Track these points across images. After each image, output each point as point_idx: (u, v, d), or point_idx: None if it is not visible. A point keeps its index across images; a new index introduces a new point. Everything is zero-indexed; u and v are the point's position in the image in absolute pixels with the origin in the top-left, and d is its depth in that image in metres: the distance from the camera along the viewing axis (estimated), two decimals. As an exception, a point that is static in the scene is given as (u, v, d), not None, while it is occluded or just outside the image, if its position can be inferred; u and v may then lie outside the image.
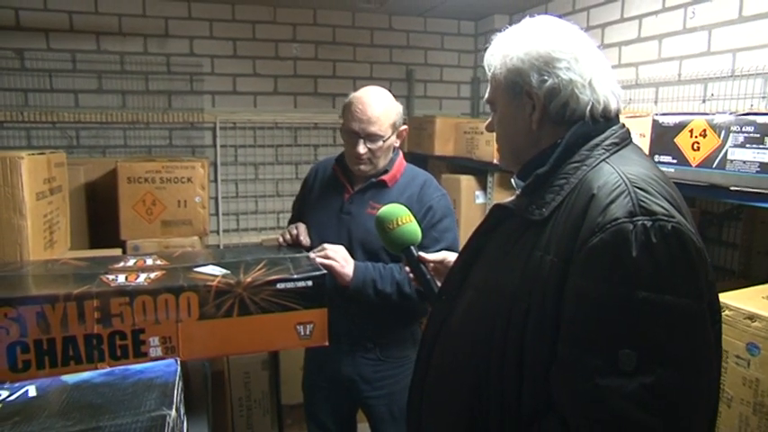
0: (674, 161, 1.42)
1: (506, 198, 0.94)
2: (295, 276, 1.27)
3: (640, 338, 0.70)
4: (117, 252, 2.00)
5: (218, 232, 3.21)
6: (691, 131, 1.38)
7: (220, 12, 3.11)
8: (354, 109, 1.53)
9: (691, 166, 1.39)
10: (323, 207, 1.62)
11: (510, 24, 0.97)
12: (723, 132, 1.31)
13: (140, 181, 2.10)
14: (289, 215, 3.43)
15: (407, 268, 1.24)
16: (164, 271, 1.29)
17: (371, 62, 3.41)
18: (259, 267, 1.32)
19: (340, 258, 1.47)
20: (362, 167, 1.57)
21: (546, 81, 0.86)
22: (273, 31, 3.21)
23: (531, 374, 0.79)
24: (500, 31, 0.98)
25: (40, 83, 2.92)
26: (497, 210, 0.96)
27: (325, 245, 1.48)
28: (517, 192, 1.00)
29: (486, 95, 0.99)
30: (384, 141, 1.53)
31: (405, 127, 1.62)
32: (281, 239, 1.58)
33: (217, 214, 3.22)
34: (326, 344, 1.30)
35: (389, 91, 1.61)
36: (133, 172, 2.09)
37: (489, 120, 1.01)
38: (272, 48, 3.22)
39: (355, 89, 1.54)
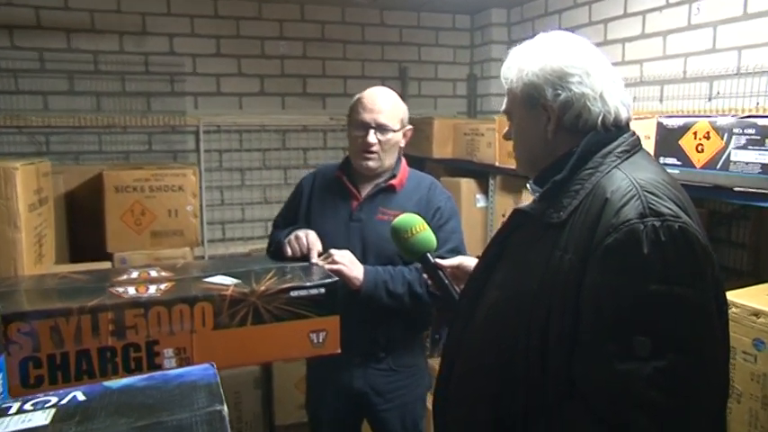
0: (679, 163, 1.58)
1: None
2: (308, 284, 1.40)
3: (653, 326, 0.86)
4: (106, 265, 2.10)
5: (202, 242, 3.31)
6: (695, 133, 1.55)
7: (202, 7, 3.23)
8: (365, 102, 1.70)
9: (695, 167, 1.55)
10: (330, 216, 1.75)
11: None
12: (726, 134, 1.48)
13: (128, 190, 2.21)
14: (277, 223, 3.51)
15: (425, 275, 1.38)
16: (173, 282, 1.40)
17: (363, 60, 3.55)
18: (269, 276, 1.44)
19: (348, 262, 1.60)
20: (371, 163, 1.71)
21: (560, 95, 1.02)
22: (259, 28, 3.34)
23: (555, 371, 0.94)
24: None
25: (4, 84, 2.99)
26: (517, 214, 1.12)
27: (332, 250, 1.61)
28: (534, 196, 1.16)
29: (504, 106, 1.15)
30: (393, 134, 1.69)
31: (410, 127, 1.78)
32: (288, 251, 1.62)
33: (201, 223, 3.32)
34: (339, 351, 1.43)
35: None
36: (121, 180, 2.20)
37: (507, 129, 1.18)
38: (257, 46, 3.35)
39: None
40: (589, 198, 0.97)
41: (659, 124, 1.63)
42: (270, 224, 3.61)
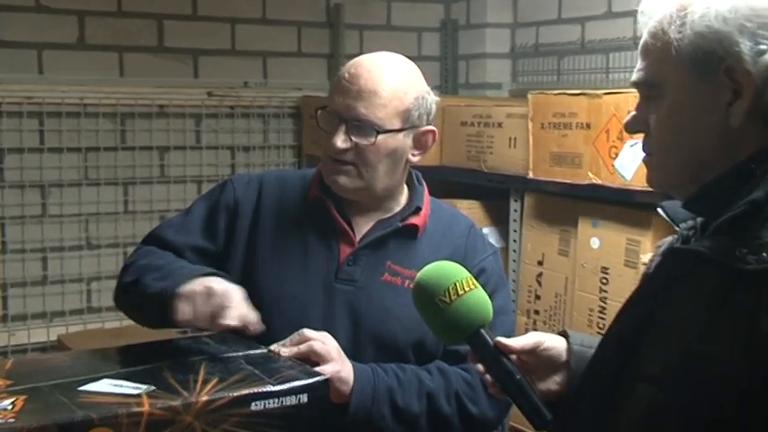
0: None
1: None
2: (278, 388, 1.40)
3: None
4: None
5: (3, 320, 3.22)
6: None
7: None
8: (342, 75, 1.74)
9: None
10: (296, 268, 1.76)
11: None
12: None
13: None
14: (107, 282, 3.47)
15: (480, 366, 1.42)
16: (22, 396, 1.35)
17: (264, -8, 3.62)
18: (202, 376, 1.43)
19: (336, 354, 1.61)
20: (340, 180, 1.73)
21: (764, 52, 1.08)
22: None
23: None
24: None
25: None
26: (674, 258, 1.18)
27: (306, 331, 1.61)
28: (681, 229, 1.23)
29: (641, 73, 1.20)
30: (378, 135, 1.70)
31: (431, 128, 1.81)
32: (184, 309, 1.59)
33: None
34: None
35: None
36: None
37: (634, 114, 1.24)
38: (72, -42, 3.31)
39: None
40: None
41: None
42: (95, 286, 3.52)
